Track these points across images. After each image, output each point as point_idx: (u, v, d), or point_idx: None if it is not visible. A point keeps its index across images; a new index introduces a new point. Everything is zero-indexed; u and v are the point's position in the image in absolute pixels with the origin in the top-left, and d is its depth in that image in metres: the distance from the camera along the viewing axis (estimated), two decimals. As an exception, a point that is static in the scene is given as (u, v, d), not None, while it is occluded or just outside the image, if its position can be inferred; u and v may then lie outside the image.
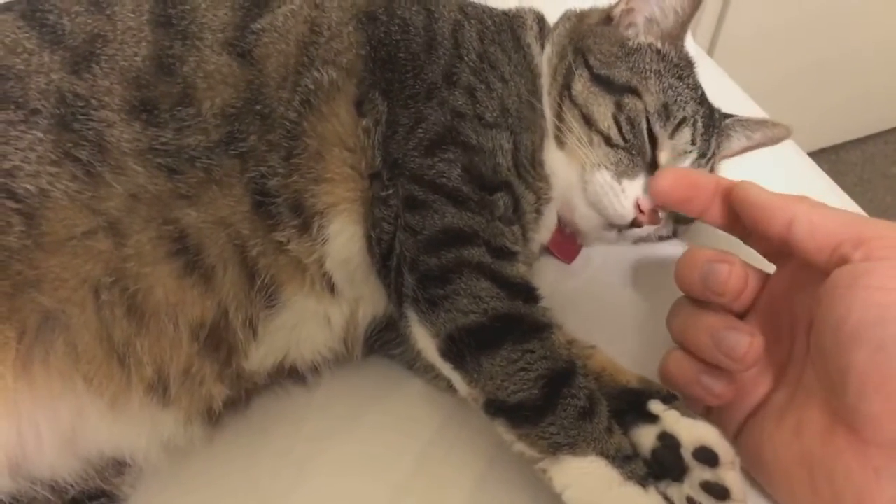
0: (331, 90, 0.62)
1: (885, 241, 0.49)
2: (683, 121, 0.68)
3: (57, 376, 0.52)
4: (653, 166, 0.67)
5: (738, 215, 0.58)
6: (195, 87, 0.59)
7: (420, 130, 0.62)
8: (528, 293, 0.57)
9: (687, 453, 0.52)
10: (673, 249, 0.73)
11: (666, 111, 0.67)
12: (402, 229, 0.59)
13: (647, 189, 0.65)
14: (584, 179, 0.67)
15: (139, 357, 0.54)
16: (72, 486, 0.55)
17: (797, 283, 0.56)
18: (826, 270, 0.51)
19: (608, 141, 0.66)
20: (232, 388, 0.60)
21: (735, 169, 0.75)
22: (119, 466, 0.58)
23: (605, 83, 0.68)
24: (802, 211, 0.53)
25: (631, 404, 0.56)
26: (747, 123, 0.76)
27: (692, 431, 0.53)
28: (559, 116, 0.68)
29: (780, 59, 1.83)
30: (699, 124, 0.69)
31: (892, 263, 0.48)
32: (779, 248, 0.57)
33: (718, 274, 0.57)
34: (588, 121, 0.67)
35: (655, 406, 0.55)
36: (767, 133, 0.77)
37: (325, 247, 0.60)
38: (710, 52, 1.69)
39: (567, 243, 0.75)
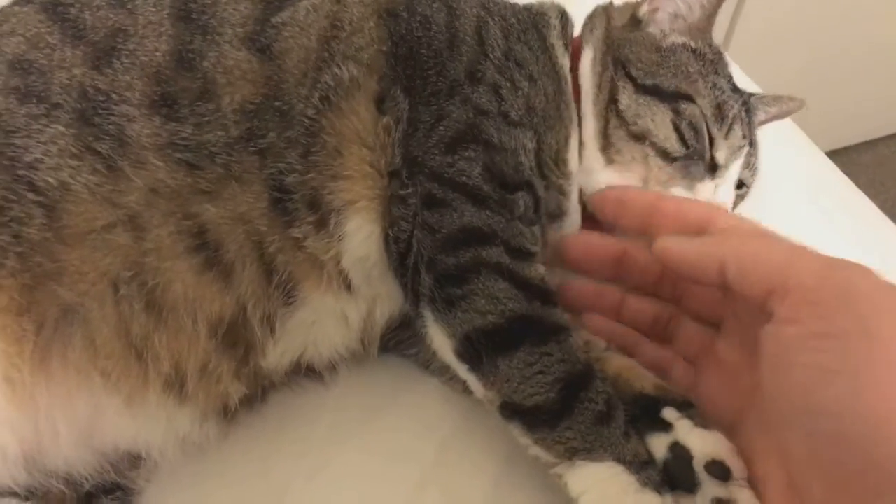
0: (351, 87, 0.61)
1: (806, 294, 0.44)
2: (734, 119, 0.67)
3: (74, 370, 0.52)
4: (713, 168, 0.67)
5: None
6: (215, 82, 0.58)
7: (441, 128, 0.61)
8: (546, 295, 0.57)
9: (699, 466, 0.51)
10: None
11: (720, 112, 0.67)
12: (420, 228, 0.58)
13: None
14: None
15: (157, 352, 0.54)
16: (87, 479, 0.55)
17: (754, 314, 0.52)
18: (763, 318, 0.46)
19: (664, 154, 0.65)
20: (249, 386, 0.60)
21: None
22: (134, 460, 0.58)
23: (653, 93, 0.67)
24: (731, 252, 0.49)
25: (645, 410, 0.55)
26: (765, 99, 0.77)
27: (704, 443, 0.51)
28: (606, 133, 0.67)
29: (793, 60, 1.83)
30: (744, 115, 0.69)
31: (808, 329, 0.43)
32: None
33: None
34: (639, 136, 0.66)
35: (669, 414, 0.54)
36: (783, 107, 0.78)
37: (342, 244, 0.60)
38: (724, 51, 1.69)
39: None
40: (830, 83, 1.94)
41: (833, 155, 0.98)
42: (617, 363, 0.59)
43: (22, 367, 0.50)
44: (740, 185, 0.71)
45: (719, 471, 0.50)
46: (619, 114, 0.67)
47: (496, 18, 0.69)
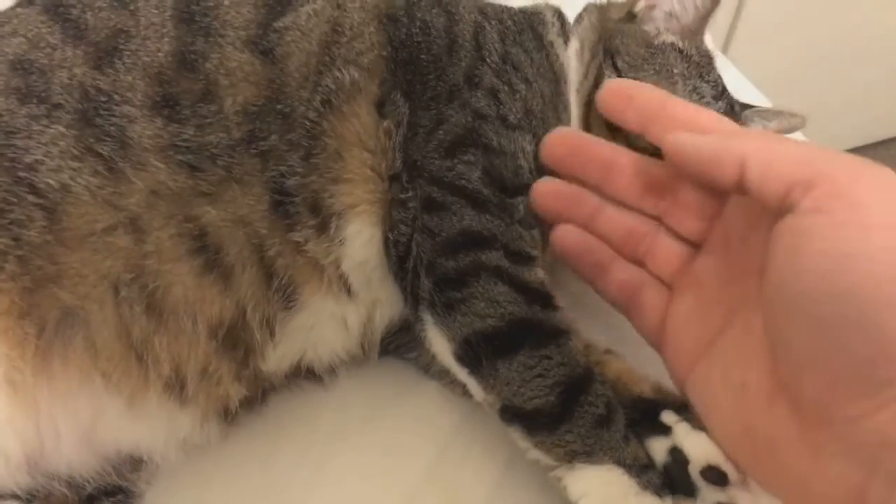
0: (352, 90, 0.61)
1: (834, 186, 0.42)
2: None
3: (75, 373, 0.52)
4: None
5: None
6: (217, 84, 0.58)
7: (441, 132, 0.62)
8: (545, 298, 0.57)
9: (695, 471, 0.51)
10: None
11: None
12: (420, 231, 0.58)
13: None
14: None
15: (157, 355, 0.54)
16: (88, 481, 0.55)
17: (752, 220, 0.51)
18: (780, 213, 0.45)
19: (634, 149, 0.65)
20: (249, 388, 0.60)
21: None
22: (136, 463, 0.58)
23: None
24: (753, 150, 0.46)
25: (644, 413, 0.55)
26: (764, 113, 0.76)
27: (701, 447, 0.51)
28: (586, 120, 0.68)
29: (793, 62, 1.83)
30: None
31: (835, 218, 0.42)
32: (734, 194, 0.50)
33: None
34: (614, 129, 0.66)
35: (668, 417, 0.54)
36: (783, 122, 0.76)
37: (343, 248, 0.60)
38: (724, 53, 1.69)
39: None
40: (831, 86, 1.94)
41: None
42: (616, 366, 0.59)
43: (24, 370, 0.50)
44: None
45: (716, 476, 0.50)
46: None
47: (493, 22, 0.70)
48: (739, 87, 0.97)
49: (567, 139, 0.57)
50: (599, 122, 0.67)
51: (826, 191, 0.42)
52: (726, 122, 0.52)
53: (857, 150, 2.23)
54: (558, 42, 0.73)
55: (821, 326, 0.42)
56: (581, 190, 0.57)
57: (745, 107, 0.75)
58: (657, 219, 0.56)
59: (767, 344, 0.46)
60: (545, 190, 0.57)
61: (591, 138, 0.58)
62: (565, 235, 0.57)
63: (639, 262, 0.57)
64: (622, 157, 0.56)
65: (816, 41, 1.85)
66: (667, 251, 0.55)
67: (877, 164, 0.44)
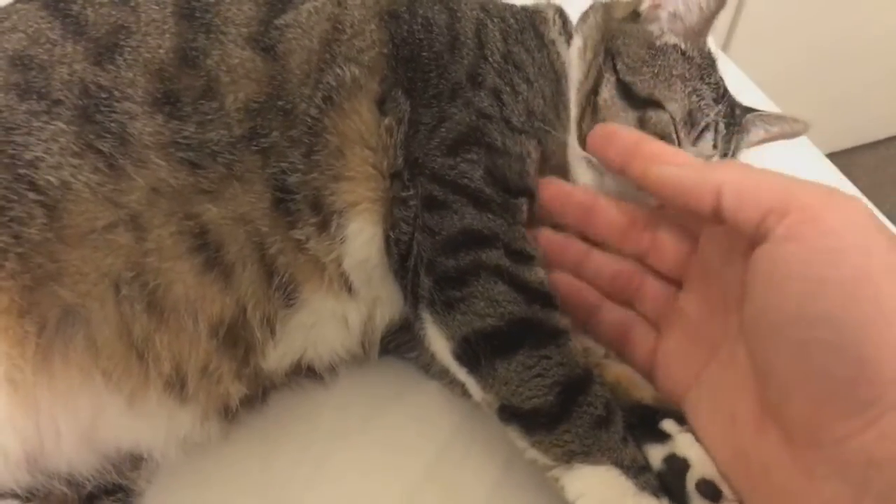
0: (353, 87, 0.61)
1: (807, 213, 0.44)
2: (706, 127, 0.67)
3: (76, 371, 0.52)
4: None
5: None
6: (219, 80, 0.58)
7: (443, 130, 0.61)
8: (546, 298, 0.57)
9: (692, 482, 0.51)
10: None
11: (691, 118, 0.66)
12: (421, 230, 0.58)
13: None
14: (605, 186, 0.66)
15: (158, 353, 0.54)
16: (88, 480, 0.55)
17: (725, 254, 0.53)
18: (755, 241, 0.47)
19: None
20: (249, 387, 0.60)
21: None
22: (135, 461, 0.58)
23: (627, 92, 0.66)
24: (729, 178, 0.48)
25: (642, 419, 0.55)
26: (767, 118, 0.76)
27: (704, 461, 0.51)
28: (580, 125, 0.67)
29: (793, 61, 1.83)
30: (720, 126, 0.68)
31: (808, 245, 0.44)
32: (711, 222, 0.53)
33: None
34: None
35: (670, 426, 0.54)
36: (785, 127, 0.76)
37: (344, 246, 0.60)
38: (724, 52, 1.69)
39: None
40: (831, 84, 1.94)
41: (833, 157, 0.98)
42: (616, 370, 0.59)
43: (24, 368, 0.50)
44: None
45: (711, 491, 0.50)
46: (594, 108, 0.67)
47: (495, 20, 0.69)
48: (741, 87, 0.97)
49: (543, 187, 0.62)
50: (592, 126, 0.67)
51: (799, 218, 0.44)
52: (693, 158, 0.55)
53: (857, 150, 2.23)
54: (560, 41, 0.73)
55: (801, 350, 0.43)
56: (568, 237, 0.62)
57: (747, 110, 0.75)
58: (641, 258, 0.60)
59: (752, 372, 0.48)
60: (538, 238, 0.61)
61: (567, 185, 0.64)
62: (556, 282, 0.59)
63: (627, 303, 0.60)
64: (600, 200, 0.60)
65: (816, 41, 1.85)
66: (652, 291, 0.59)
67: (847, 194, 0.46)
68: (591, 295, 0.61)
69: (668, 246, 0.58)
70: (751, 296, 0.47)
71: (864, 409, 0.41)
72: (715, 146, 0.68)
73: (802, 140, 0.98)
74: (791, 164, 0.87)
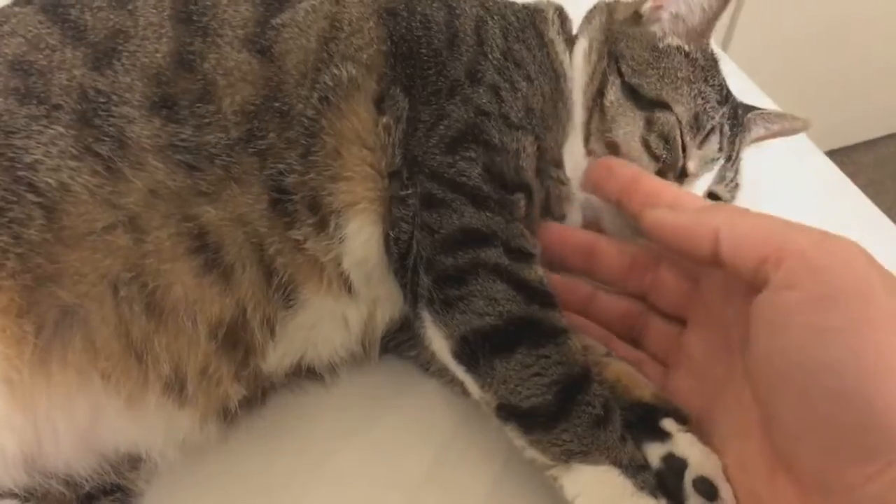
0: (350, 87, 0.61)
1: (802, 260, 0.45)
2: (712, 130, 0.67)
3: (74, 372, 0.52)
4: (682, 175, 0.67)
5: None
6: (215, 83, 0.58)
7: (441, 127, 0.61)
8: (545, 297, 0.57)
9: (689, 479, 0.51)
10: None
11: (697, 121, 0.66)
12: (420, 228, 0.58)
13: None
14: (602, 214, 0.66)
15: (157, 354, 0.54)
16: (87, 480, 0.55)
17: (726, 293, 0.53)
18: (754, 286, 0.47)
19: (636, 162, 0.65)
20: (249, 388, 0.60)
21: (754, 168, 0.75)
22: (134, 462, 0.58)
23: (634, 94, 0.67)
24: (725, 222, 0.49)
25: (641, 418, 0.55)
26: (767, 116, 0.76)
27: (705, 460, 0.51)
28: (588, 128, 0.68)
29: (793, 60, 1.83)
30: (725, 128, 0.68)
31: (808, 293, 0.44)
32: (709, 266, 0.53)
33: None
34: (612, 146, 0.67)
35: (670, 425, 0.54)
36: (786, 125, 0.77)
37: (343, 246, 0.60)
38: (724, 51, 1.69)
39: None
40: (830, 83, 1.94)
41: (833, 154, 0.98)
42: (616, 369, 0.59)
43: (22, 369, 0.50)
44: (715, 198, 0.71)
45: (708, 490, 0.50)
46: (602, 110, 0.67)
47: (495, 17, 0.69)
48: (741, 86, 0.97)
49: (543, 232, 0.63)
50: (599, 131, 0.67)
51: (795, 265, 0.44)
52: (689, 195, 0.56)
53: (857, 147, 2.23)
54: (558, 40, 0.73)
55: (808, 398, 0.43)
56: (574, 280, 0.63)
57: (749, 109, 0.75)
58: (644, 297, 0.61)
59: (759, 416, 0.48)
60: None
61: (567, 228, 0.65)
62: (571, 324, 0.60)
63: (634, 342, 0.61)
64: (600, 242, 0.62)
65: (816, 40, 1.85)
66: (658, 330, 0.60)
67: (842, 237, 0.46)
68: (600, 334, 0.62)
69: (669, 285, 0.59)
70: (754, 342, 0.47)
71: (874, 455, 0.41)
72: (720, 149, 0.68)
73: (802, 138, 0.99)
74: (791, 161, 0.88)
